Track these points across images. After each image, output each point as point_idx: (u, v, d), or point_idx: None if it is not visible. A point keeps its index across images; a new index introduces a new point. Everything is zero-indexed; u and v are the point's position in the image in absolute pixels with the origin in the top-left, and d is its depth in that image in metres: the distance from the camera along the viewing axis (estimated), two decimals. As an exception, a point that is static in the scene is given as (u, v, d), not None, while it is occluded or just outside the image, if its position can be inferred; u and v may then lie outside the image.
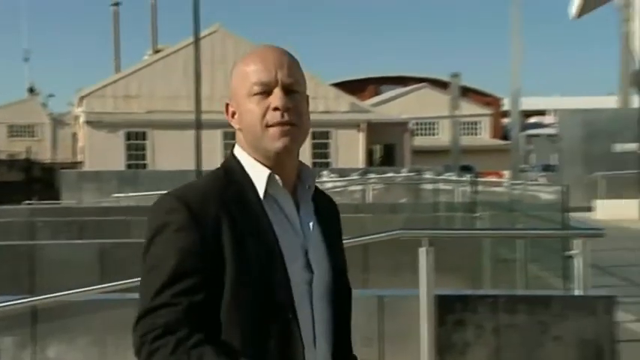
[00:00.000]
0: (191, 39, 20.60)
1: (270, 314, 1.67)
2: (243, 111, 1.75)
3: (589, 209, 19.44)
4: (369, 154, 36.85)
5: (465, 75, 67.94)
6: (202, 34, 23.63)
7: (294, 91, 1.75)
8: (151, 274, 1.64)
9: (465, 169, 30.73)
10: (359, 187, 20.44)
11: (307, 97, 1.81)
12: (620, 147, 21.89)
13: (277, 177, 1.73)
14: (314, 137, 34.65)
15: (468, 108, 48.07)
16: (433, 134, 52.50)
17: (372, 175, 23.26)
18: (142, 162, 32.40)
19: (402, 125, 36.15)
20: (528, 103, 43.92)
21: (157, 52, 38.09)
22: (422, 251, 4.64)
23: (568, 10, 38.60)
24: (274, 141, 1.71)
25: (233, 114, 1.80)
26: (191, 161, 20.41)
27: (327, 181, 23.27)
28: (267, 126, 1.72)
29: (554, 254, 6.99)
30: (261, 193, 1.72)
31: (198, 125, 19.52)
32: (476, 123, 53.14)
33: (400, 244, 5.67)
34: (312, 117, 1.79)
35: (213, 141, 29.24)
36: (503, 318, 4.69)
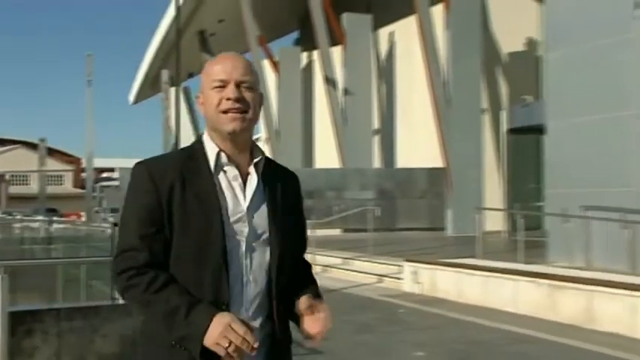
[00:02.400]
0: None
1: (206, 260, 1.63)
2: (206, 100, 1.72)
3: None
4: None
5: (54, 139, 76.09)
6: None
7: (246, 87, 1.70)
8: (123, 224, 1.66)
9: (51, 211, 31.12)
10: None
11: (261, 95, 1.75)
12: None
13: (223, 154, 1.70)
14: None
15: (54, 164, 52.38)
16: (26, 184, 56.75)
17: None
18: None
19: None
20: (101, 162, 46.85)
21: None
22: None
23: (128, 97, 37.70)
24: (226, 124, 1.68)
25: (202, 103, 1.75)
26: None
27: None
28: (222, 112, 1.69)
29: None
30: (212, 166, 1.69)
31: None
32: (61, 176, 60.61)
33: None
34: None
35: None
36: (64, 325, 4.69)
